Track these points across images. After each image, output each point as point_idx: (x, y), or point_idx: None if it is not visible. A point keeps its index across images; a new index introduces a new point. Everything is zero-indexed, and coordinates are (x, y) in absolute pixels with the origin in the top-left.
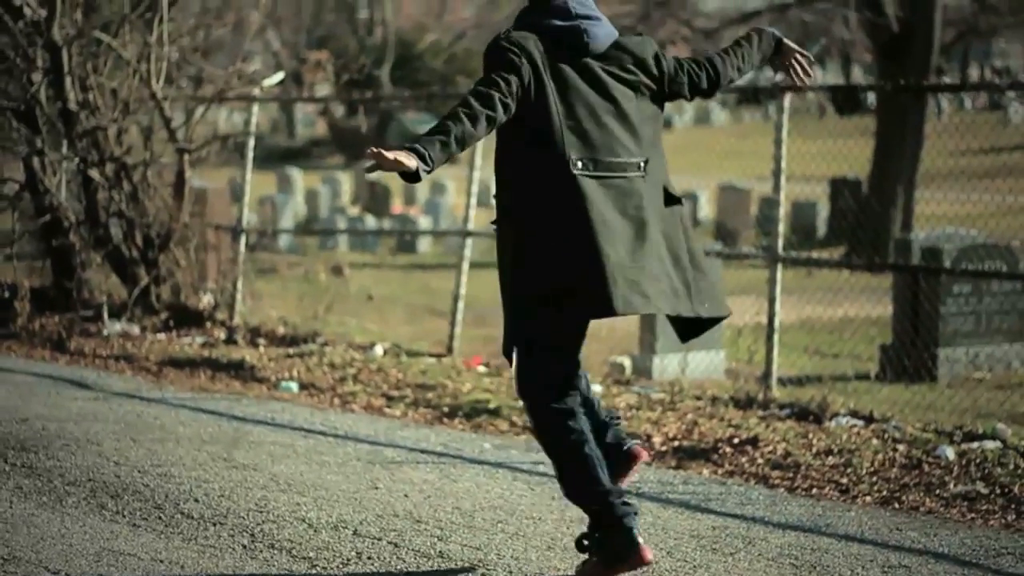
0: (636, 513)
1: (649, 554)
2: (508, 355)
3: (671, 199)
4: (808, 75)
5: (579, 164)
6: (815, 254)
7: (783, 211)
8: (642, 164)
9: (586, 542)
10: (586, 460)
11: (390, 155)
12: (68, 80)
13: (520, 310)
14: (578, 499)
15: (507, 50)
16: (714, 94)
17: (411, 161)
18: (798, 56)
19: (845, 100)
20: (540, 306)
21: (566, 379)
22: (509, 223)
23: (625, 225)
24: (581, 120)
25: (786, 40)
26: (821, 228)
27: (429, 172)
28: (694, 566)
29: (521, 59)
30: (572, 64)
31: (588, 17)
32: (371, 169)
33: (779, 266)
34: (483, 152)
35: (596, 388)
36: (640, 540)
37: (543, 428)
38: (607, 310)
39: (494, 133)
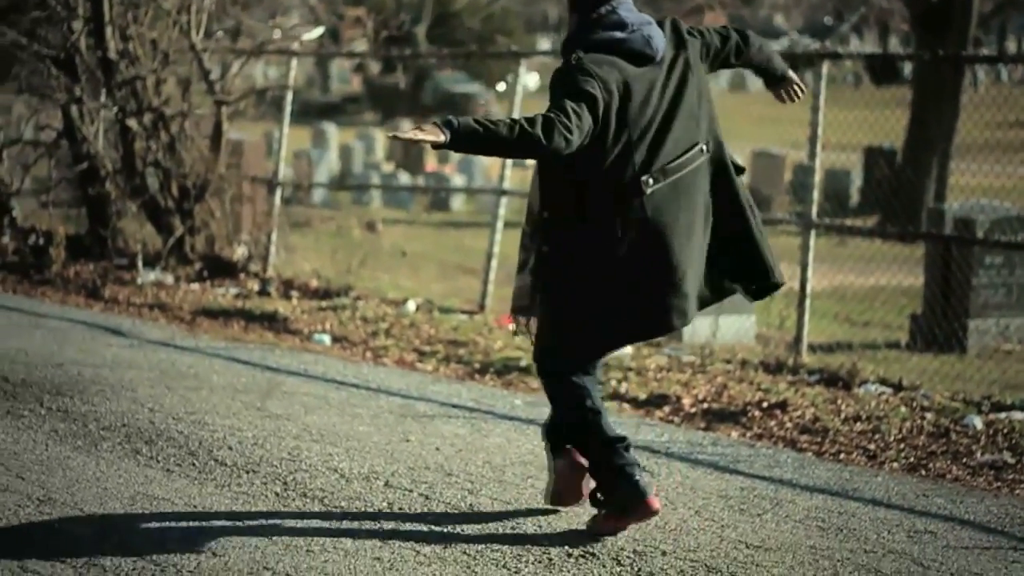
0: (638, 464)
1: (657, 503)
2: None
3: (736, 168)
4: (799, 97)
5: (650, 181)
6: (848, 222)
7: (817, 178)
8: (704, 147)
9: (599, 495)
10: (588, 412)
11: (407, 135)
12: (108, 29)
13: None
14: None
15: (584, 81)
16: (740, 62)
17: (438, 136)
18: (795, 87)
19: (882, 70)
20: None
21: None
22: (566, 231)
23: (684, 229)
24: (652, 133)
25: (790, 73)
26: (854, 197)
27: (453, 144)
28: (722, 526)
29: (599, 90)
30: (638, 74)
31: (642, 24)
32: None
33: (812, 233)
34: (520, 113)
35: (627, 350)
36: (647, 490)
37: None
38: (650, 334)
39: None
